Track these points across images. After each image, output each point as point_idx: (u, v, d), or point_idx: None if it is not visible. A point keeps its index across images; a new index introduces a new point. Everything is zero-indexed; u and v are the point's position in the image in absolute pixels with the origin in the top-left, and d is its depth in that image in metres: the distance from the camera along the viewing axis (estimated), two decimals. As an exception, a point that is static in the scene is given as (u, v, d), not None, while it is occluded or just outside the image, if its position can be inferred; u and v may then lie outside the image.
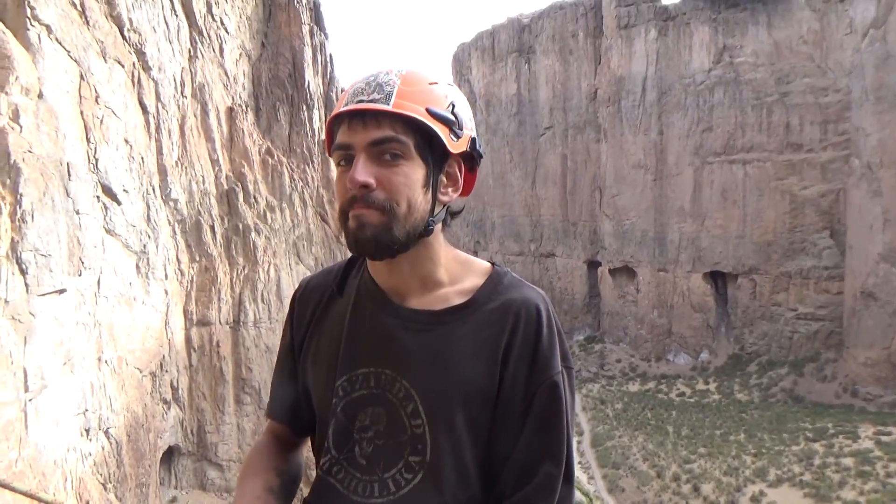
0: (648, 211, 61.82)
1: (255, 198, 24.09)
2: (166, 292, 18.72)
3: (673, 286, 60.12)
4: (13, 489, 0.94)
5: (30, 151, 12.02)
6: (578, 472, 38.47)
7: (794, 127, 53.16)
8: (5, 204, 11.10)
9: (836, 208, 50.72)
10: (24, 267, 11.18)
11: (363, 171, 1.14)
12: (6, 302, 10.62)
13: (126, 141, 16.77)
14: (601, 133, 66.48)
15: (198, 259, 20.91)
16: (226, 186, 23.03)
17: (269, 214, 24.61)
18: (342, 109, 1.17)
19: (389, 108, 1.13)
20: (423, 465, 1.23)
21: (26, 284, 11.25)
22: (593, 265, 68.29)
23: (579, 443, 43.25)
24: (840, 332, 48.20)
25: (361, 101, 1.14)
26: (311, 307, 1.40)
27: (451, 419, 1.21)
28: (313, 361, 1.36)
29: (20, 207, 11.34)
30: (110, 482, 14.62)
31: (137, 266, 17.05)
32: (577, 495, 34.61)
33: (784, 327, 52.91)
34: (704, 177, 58.12)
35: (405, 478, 1.24)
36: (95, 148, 14.92)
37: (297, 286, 1.49)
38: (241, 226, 22.81)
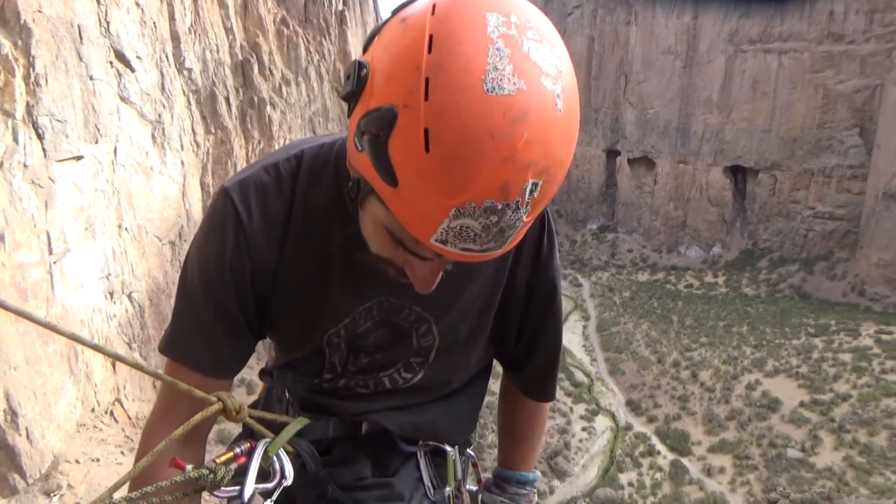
0: (674, 100, 59.91)
1: (270, 70, 23.55)
2: (182, 163, 18.79)
3: (692, 179, 59.36)
4: (32, 318, 0.98)
5: (40, 11, 11.71)
6: (581, 355, 39.92)
7: (838, 15, 50.16)
8: (18, 66, 10.96)
9: (871, 105, 48.81)
10: (40, 132, 11.22)
11: (434, 283, 0.98)
12: (25, 166, 10.75)
13: (137, 4, 16.23)
14: (632, 14, 63.23)
15: (213, 131, 20.80)
16: (240, 57, 22.47)
17: (284, 88, 24.16)
18: (436, 247, 0.83)
19: (502, 250, 0.86)
20: (424, 366, 1.30)
21: (44, 149, 11.33)
22: (612, 154, 67.25)
23: (585, 327, 44.52)
24: (856, 233, 47.91)
25: (469, 250, 0.83)
26: (273, 243, 1.11)
27: (463, 328, 1.27)
28: (293, 306, 1.17)
29: (33, 70, 11.21)
30: (135, 342, 15.41)
31: (153, 136, 17.03)
32: (579, 375, 36.09)
33: (800, 225, 52.63)
34: (736, 66, 55.74)
35: (403, 377, 1.30)
36: (106, 10, 14.49)
37: (229, 201, 1.08)
38: (256, 99, 22.47)
